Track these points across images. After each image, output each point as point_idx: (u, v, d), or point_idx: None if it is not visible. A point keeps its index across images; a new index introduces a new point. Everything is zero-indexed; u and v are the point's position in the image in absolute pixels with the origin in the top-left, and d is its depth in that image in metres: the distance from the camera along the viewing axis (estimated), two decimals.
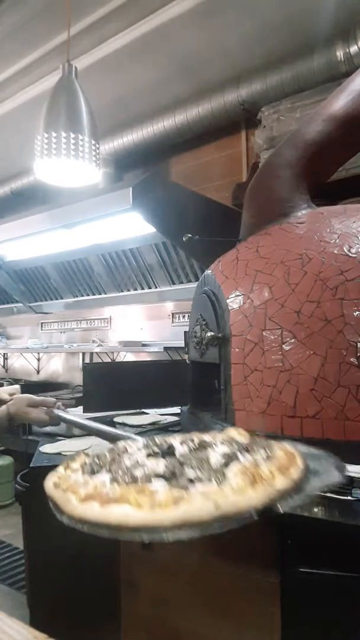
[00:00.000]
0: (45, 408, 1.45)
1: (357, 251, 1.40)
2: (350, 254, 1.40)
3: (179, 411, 2.24)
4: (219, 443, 0.96)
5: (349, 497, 1.14)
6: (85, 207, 2.98)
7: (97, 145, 2.01)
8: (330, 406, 1.31)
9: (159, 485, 0.72)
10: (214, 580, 1.23)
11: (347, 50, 2.51)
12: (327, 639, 1.08)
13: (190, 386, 1.96)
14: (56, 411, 1.45)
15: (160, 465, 0.84)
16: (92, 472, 0.83)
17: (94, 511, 0.68)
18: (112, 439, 1.31)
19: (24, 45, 3.02)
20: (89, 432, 1.43)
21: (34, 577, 1.92)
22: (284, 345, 1.39)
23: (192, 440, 0.99)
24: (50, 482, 0.83)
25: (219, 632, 1.19)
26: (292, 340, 1.38)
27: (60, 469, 0.91)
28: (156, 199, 2.70)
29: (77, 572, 1.67)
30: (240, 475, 0.71)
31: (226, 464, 0.78)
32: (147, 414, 2.36)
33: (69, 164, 1.97)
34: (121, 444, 1.02)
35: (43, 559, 1.76)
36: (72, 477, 0.82)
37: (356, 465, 1.23)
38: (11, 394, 1.82)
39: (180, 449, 0.94)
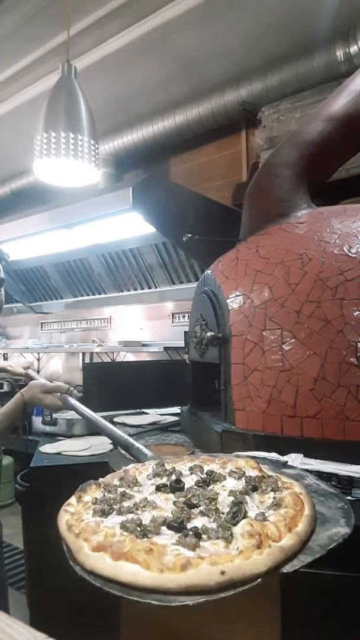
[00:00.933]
0: (59, 394, 1.46)
1: (357, 251, 1.40)
2: (350, 254, 1.40)
3: (179, 411, 2.24)
4: (227, 475, 0.97)
5: (349, 497, 1.14)
6: (85, 207, 2.98)
7: (97, 146, 2.01)
8: (330, 406, 1.31)
9: (167, 540, 0.74)
10: None
11: (347, 50, 2.51)
12: (327, 638, 1.08)
13: (190, 386, 1.95)
14: (69, 398, 1.46)
15: (168, 504, 0.86)
16: (103, 513, 0.84)
17: (105, 565, 0.70)
18: (121, 444, 1.30)
19: (24, 45, 3.02)
20: (95, 427, 1.43)
21: (34, 577, 1.92)
22: (284, 345, 1.39)
23: (201, 469, 1.01)
24: (63, 521, 0.84)
25: (218, 632, 1.18)
26: (292, 340, 1.38)
27: (73, 500, 0.93)
28: (156, 199, 2.70)
29: (77, 572, 1.67)
30: (247, 537, 0.72)
31: (234, 517, 0.78)
32: (147, 414, 2.36)
33: (68, 164, 1.97)
34: (131, 470, 1.03)
35: (43, 559, 1.76)
36: (84, 518, 0.84)
37: (356, 465, 1.23)
38: (25, 367, 1.83)
39: (189, 480, 0.96)
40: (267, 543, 0.72)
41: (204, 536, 0.74)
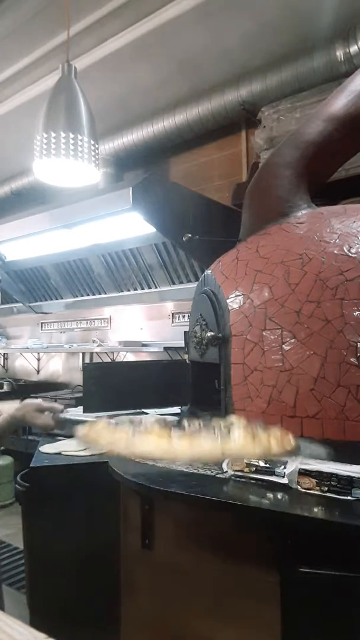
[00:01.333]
0: (52, 414, 1.46)
1: (357, 251, 1.40)
2: (350, 254, 1.40)
3: (179, 411, 2.24)
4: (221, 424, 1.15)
5: (349, 497, 1.14)
6: (85, 207, 2.98)
7: (97, 146, 2.01)
8: (330, 406, 1.31)
9: (176, 432, 0.92)
10: (214, 581, 1.23)
11: (347, 50, 2.51)
12: (327, 638, 1.08)
13: (190, 386, 1.95)
14: (63, 415, 1.46)
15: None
16: (115, 424, 1.03)
17: (122, 448, 0.91)
18: None
19: (24, 45, 3.02)
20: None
21: (34, 577, 1.92)
22: (284, 345, 1.39)
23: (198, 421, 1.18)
24: (80, 434, 1.06)
25: (219, 632, 1.18)
26: (292, 340, 1.38)
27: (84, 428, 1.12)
28: (156, 199, 2.70)
29: (77, 572, 1.67)
30: (242, 433, 0.90)
31: (229, 430, 0.96)
32: (147, 414, 2.36)
33: (68, 164, 1.97)
34: (137, 417, 1.20)
35: (43, 559, 1.76)
36: (99, 430, 1.04)
37: (356, 466, 1.23)
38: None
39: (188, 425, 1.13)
40: (258, 442, 0.91)
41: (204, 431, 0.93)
